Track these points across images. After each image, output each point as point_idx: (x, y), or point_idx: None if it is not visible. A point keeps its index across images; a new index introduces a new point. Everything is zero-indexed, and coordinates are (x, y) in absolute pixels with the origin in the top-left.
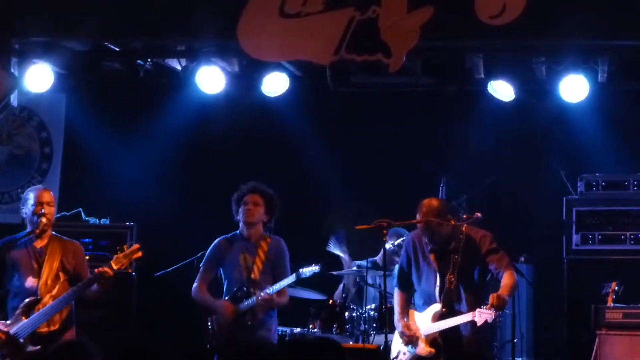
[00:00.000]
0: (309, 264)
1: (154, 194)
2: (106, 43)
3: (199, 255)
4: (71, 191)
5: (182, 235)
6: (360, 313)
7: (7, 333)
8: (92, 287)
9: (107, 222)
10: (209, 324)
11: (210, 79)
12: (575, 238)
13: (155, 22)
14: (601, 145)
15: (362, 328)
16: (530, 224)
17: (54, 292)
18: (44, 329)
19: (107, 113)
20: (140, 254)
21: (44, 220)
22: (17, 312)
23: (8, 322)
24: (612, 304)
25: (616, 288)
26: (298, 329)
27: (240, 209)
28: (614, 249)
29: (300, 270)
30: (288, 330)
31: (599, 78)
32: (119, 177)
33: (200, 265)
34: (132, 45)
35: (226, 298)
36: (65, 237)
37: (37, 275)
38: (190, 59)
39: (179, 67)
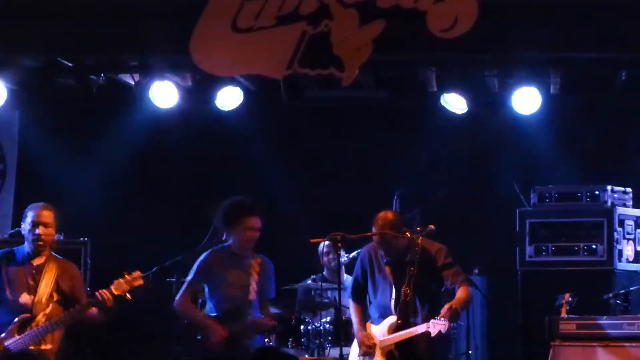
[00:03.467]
0: None
1: (108, 209)
2: (59, 59)
3: (153, 270)
4: (25, 207)
5: (136, 250)
6: (315, 326)
7: (2, 344)
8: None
9: (61, 237)
10: (199, 339)
11: (164, 94)
12: (529, 250)
13: (108, 38)
14: (554, 157)
15: (317, 342)
16: (484, 236)
17: (48, 311)
18: (35, 347)
19: (61, 129)
20: (142, 281)
21: (39, 242)
22: (11, 327)
23: (2, 335)
24: (565, 315)
25: (570, 299)
26: None
27: (240, 230)
28: (568, 260)
29: None
30: None
31: (551, 90)
32: (72, 193)
33: (188, 278)
34: (84, 60)
35: (213, 315)
36: (62, 258)
37: (33, 292)
38: (143, 74)
39: (132, 82)
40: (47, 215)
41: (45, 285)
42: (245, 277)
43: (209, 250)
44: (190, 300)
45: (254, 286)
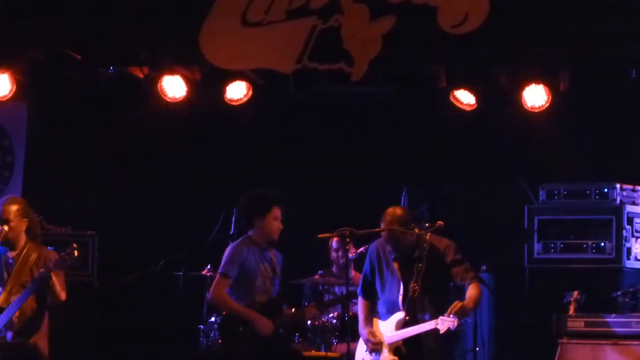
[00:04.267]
0: None
1: (116, 202)
2: (68, 52)
3: (160, 263)
4: (33, 199)
5: (143, 243)
6: (322, 321)
7: None
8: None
9: (69, 230)
10: (242, 332)
11: (173, 87)
12: (537, 247)
13: (117, 31)
14: (563, 154)
15: (324, 337)
16: (492, 233)
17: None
18: (5, 336)
19: (69, 121)
20: (76, 253)
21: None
22: None
23: None
24: (573, 313)
25: (578, 297)
26: None
27: (269, 220)
28: (576, 257)
29: None
30: None
31: (560, 87)
32: (80, 186)
33: (221, 270)
34: (94, 53)
35: (244, 305)
36: (42, 246)
37: (4, 284)
38: (152, 67)
39: (141, 76)
40: (7, 211)
41: (17, 277)
42: (270, 269)
43: (236, 242)
44: (226, 292)
45: (279, 278)
